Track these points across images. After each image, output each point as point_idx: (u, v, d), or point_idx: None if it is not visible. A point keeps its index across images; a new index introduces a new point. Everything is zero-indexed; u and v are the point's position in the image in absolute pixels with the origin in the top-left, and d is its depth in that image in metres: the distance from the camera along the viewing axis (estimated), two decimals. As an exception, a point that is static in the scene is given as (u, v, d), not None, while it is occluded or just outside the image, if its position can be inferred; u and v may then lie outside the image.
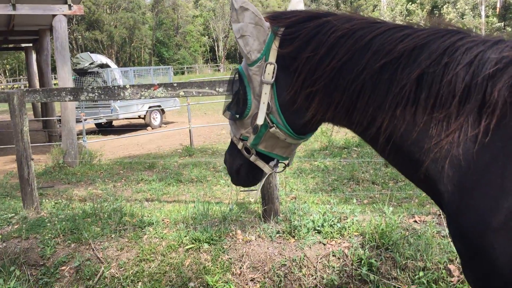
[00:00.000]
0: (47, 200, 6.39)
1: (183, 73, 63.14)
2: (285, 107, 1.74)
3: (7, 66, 62.62)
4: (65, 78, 9.45)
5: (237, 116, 1.84)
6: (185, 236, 4.64)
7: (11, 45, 20.75)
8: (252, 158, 1.88)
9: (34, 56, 18.78)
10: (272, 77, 1.72)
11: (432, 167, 1.45)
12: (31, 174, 5.58)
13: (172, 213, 5.51)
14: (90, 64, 16.14)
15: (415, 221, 4.65)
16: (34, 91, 5.47)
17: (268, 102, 1.75)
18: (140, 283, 4.20)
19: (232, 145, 1.96)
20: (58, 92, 5.28)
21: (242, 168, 1.96)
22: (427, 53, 1.46)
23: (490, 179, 1.30)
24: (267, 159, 1.91)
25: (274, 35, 1.73)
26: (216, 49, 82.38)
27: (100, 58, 17.18)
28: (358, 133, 1.68)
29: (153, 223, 5.07)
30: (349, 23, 1.62)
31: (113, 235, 4.82)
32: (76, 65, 16.30)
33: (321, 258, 4.15)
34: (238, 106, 1.85)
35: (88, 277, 4.27)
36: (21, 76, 57.29)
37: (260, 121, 1.77)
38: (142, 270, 4.28)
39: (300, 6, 2.01)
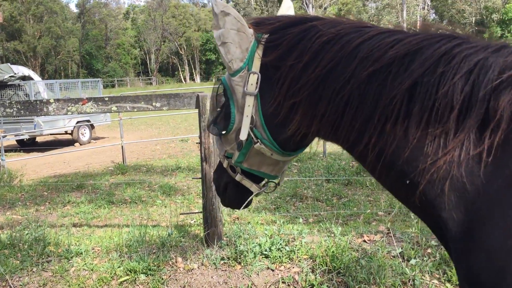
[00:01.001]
0: (-44, 230, 5.62)
1: (113, 86, 61.17)
2: (270, 120, 1.58)
3: None
4: (-20, 91, 8.56)
5: (221, 131, 1.70)
6: (119, 267, 4.18)
7: None
8: (238, 177, 1.72)
9: None
10: (256, 87, 1.57)
11: (430, 190, 1.27)
12: None
13: (103, 240, 5.00)
14: (10, 76, 14.96)
15: (365, 241, 4.49)
16: None
17: (252, 115, 1.59)
18: (66, 325, 3.69)
19: (219, 163, 1.81)
20: (-31, 107, 4.64)
21: (229, 189, 1.80)
22: (420, 60, 1.30)
23: (504, 208, 1.10)
24: (254, 178, 1.73)
25: (257, 42, 1.59)
26: (148, 62, 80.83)
27: (22, 70, 16.00)
28: (346, 149, 1.52)
29: (81, 253, 4.55)
30: (336, 28, 1.47)
31: (34, 269, 4.25)
32: (-5, 77, 15.09)
33: (270, 285, 3.85)
34: (221, 120, 1.71)
35: (3, 321, 3.69)
36: None
37: (243, 136, 1.61)
38: (69, 308, 3.77)
39: (290, 12, 1.84)
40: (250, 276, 3.97)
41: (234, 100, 1.63)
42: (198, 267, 4.16)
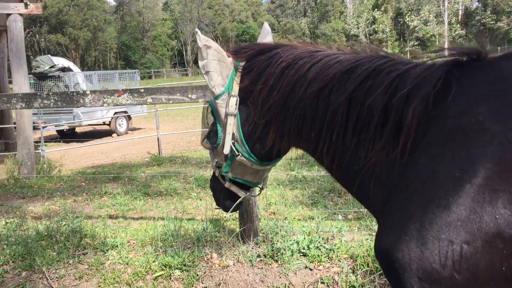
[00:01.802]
0: (-4, 219, 5.71)
1: (150, 77, 61.98)
2: (248, 136, 1.85)
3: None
4: (20, 83, 8.70)
5: (213, 145, 1.97)
6: (154, 261, 4.12)
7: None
8: (227, 184, 2.01)
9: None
10: (235, 108, 1.83)
11: (364, 185, 1.57)
12: (-23, 191, 4.92)
13: (139, 233, 4.96)
14: (50, 67, 15.25)
15: (408, 240, 4.26)
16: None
17: (233, 132, 1.86)
18: (101, 320, 3.65)
19: (213, 172, 2.08)
20: (8, 98, 4.66)
21: (221, 194, 2.08)
22: (353, 77, 1.56)
23: (403, 196, 1.35)
24: (240, 185, 2.01)
25: (235, 70, 1.87)
26: (184, 53, 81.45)
27: (61, 61, 16.29)
28: (311, 156, 1.80)
29: (117, 246, 4.52)
30: (294, 54, 1.75)
31: (70, 261, 4.25)
32: (35, 69, 15.40)
33: (308, 285, 3.70)
34: (212, 136, 2.00)
35: (40, 313, 3.68)
36: (-21, 80, 54.93)
37: (226, 150, 1.87)
38: (104, 302, 3.73)
39: (268, 38, 2.13)
40: (288, 275, 3.83)
41: (219, 120, 1.89)
42: (233, 264, 4.05)
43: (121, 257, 4.29)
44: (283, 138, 1.76)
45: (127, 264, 4.16)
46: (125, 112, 17.08)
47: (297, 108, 1.68)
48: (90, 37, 66.41)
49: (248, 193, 2.05)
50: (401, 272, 1.29)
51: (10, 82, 13.17)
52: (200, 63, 1.87)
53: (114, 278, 3.93)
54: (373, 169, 1.50)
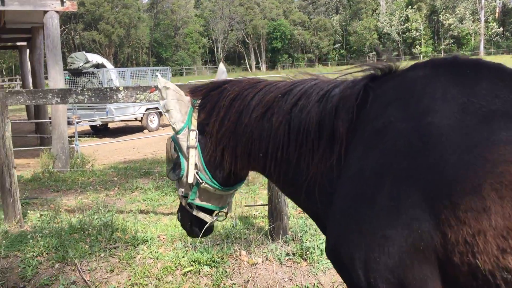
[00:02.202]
0: (31, 212, 5.86)
1: (181, 74, 62.65)
2: (209, 165, 2.04)
3: (4, 65, 62.03)
4: (56, 78, 8.91)
5: (177, 177, 2.11)
6: (183, 257, 4.15)
7: (6, 44, 20.17)
8: (194, 212, 2.15)
9: (27, 55, 18.23)
10: (195, 141, 2.03)
11: (310, 196, 1.75)
12: (14, 183, 5.06)
13: (168, 228, 5.00)
14: (85, 63, 15.58)
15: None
16: (17, 92, 4.97)
17: (196, 163, 2.04)
18: (131, 313, 3.69)
19: (180, 203, 2.23)
20: (44, 94, 4.77)
21: (191, 222, 2.22)
22: (288, 99, 1.80)
23: (340, 198, 1.55)
24: (207, 211, 2.16)
25: (193, 107, 2.09)
26: (215, 50, 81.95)
27: (95, 58, 16.63)
28: (262, 174, 2.03)
29: (147, 241, 4.57)
30: (239, 86, 1.99)
31: (102, 254, 4.32)
32: (70, 65, 15.76)
33: (337, 286, 3.65)
34: (175, 169, 2.12)
35: (73, 304, 3.76)
36: (17, 76, 56.69)
37: (190, 179, 2.04)
38: (134, 296, 3.77)
39: (224, 75, 2.34)
40: (317, 274, 3.79)
41: (182, 152, 2.07)
42: (262, 262, 4.04)
43: (151, 251, 4.34)
44: (237, 161, 1.98)
45: (157, 258, 4.20)
46: (157, 108, 17.29)
47: (245, 133, 1.91)
48: (123, 34, 67.55)
49: (214, 218, 2.21)
50: (346, 267, 1.48)
51: (46, 78, 13.53)
52: (161, 102, 2.08)
53: (144, 272, 3.97)
54: (315, 178, 1.70)
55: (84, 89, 4.69)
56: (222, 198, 2.16)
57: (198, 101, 2.09)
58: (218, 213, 2.23)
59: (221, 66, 2.44)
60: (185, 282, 3.85)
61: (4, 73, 61.10)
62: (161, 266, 4.07)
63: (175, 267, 4.04)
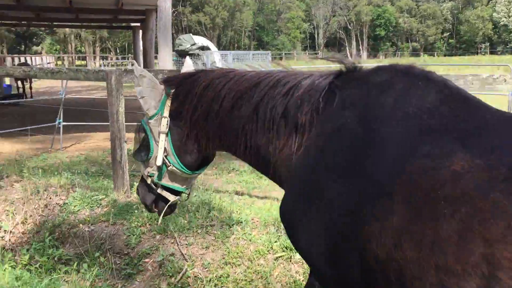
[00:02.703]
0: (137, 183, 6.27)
1: (280, 58, 62.88)
2: (178, 150, 2.25)
3: (118, 44, 66.61)
4: (165, 59, 9.38)
5: (144, 158, 2.30)
6: (275, 242, 4.20)
7: (121, 24, 21.63)
8: (159, 190, 2.36)
9: (140, 35, 19.38)
10: (166, 127, 2.22)
11: (276, 171, 2.00)
12: (124, 156, 5.44)
13: (262, 212, 5.09)
14: (191, 45, 16.24)
15: None
16: (132, 71, 5.30)
17: (165, 147, 2.24)
18: (223, 290, 3.83)
19: (142, 180, 2.42)
20: (155, 74, 5.04)
21: (155, 200, 2.41)
22: (259, 89, 1.98)
23: (296, 176, 1.81)
24: (171, 191, 2.36)
25: (166, 96, 2.25)
26: (316, 36, 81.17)
27: (201, 40, 17.25)
28: (233, 154, 2.22)
29: (241, 222, 4.69)
30: (211, 76, 2.16)
31: (199, 231, 4.52)
32: (178, 46, 16.51)
33: None
34: (143, 150, 2.31)
35: (170, 274, 3.98)
36: (129, 55, 60.67)
37: (159, 162, 2.24)
38: (227, 274, 3.91)
39: (191, 68, 2.50)
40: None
41: (151, 137, 2.25)
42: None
43: (245, 233, 4.45)
44: (209, 144, 2.19)
45: (250, 240, 4.30)
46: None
47: (216, 119, 2.11)
48: (227, 17, 69.23)
49: (177, 197, 2.41)
50: (290, 226, 1.79)
51: (155, 58, 14.30)
52: (137, 89, 2.24)
53: (237, 253, 4.09)
54: (281, 159, 1.94)
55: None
56: (187, 180, 2.37)
57: (172, 90, 2.25)
58: (181, 193, 2.43)
59: (188, 60, 2.59)
60: (276, 266, 3.91)
61: (117, 51, 65.62)
62: (254, 248, 4.16)
63: (267, 251, 4.11)
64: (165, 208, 2.42)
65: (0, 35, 49.54)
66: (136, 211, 4.91)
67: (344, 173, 1.58)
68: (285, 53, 67.30)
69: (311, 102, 1.81)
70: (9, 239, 4.55)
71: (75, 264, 4.32)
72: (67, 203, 5.20)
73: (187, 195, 2.51)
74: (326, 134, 1.72)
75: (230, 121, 2.07)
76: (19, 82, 19.00)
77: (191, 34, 17.57)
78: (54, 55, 52.32)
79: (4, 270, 4.07)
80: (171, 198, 2.37)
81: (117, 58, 55.06)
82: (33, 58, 34.39)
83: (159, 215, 2.48)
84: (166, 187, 2.34)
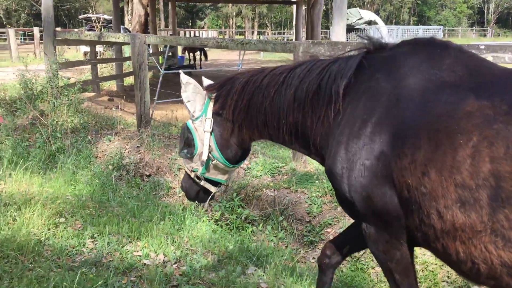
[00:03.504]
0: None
1: (443, 35, 58.49)
2: (221, 146, 2.57)
3: (275, 19, 68.29)
4: (339, 34, 9.25)
5: (189, 155, 2.61)
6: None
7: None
8: (202, 183, 2.68)
9: (303, 10, 19.51)
10: (210, 127, 2.53)
11: (315, 142, 2.30)
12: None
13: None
14: (358, 19, 15.91)
15: None
16: (319, 43, 5.34)
17: (209, 144, 2.54)
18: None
19: (186, 175, 2.75)
20: (343, 46, 5.01)
21: (198, 192, 2.76)
22: (297, 76, 2.34)
23: (336, 140, 2.10)
24: (213, 182, 2.70)
25: (209, 99, 2.57)
26: (485, 11, 73.52)
27: (368, 15, 16.82)
28: (274, 139, 2.53)
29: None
30: (248, 75, 2.52)
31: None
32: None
33: None
34: (188, 148, 2.61)
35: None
36: (285, 30, 61.72)
37: (204, 157, 2.54)
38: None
39: (209, 82, 2.71)
40: None
41: (196, 136, 2.56)
42: None
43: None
44: (254, 132, 2.50)
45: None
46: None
47: (260, 107, 2.40)
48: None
49: (218, 188, 2.76)
50: (336, 181, 2.07)
51: (322, 33, 14.24)
52: (183, 94, 2.54)
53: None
54: (320, 128, 2.23)
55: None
56: (227, 173, 2.71)
57: (214, 94, 2.56)
58: (221, 184, 2.77)
59: (204, 80, 2.75)
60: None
61: (273, 26, 67.31)
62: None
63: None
64: (209, 198, 2.78)
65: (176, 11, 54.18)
66: (317, 181, 5.01)
67: (378, 121, 1.91)
68: (448, 30, 62.25)
69: (344, 74, 2.13)
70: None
71: (260, 225, 4.58)
72: (250, 168, 5.52)
73: (226, 186, 2.85)
74: (360, 94, 2.05)
75: (271, 107, 2.36)
76: (191, 54, 20.64)
77: (357, 8, 17.19)
78: (216, 30, 55.72)
79: (202, 222, 4.48)
80: (213, 189, 2.71)
81: (273, 33, 56.51)
82: (197, 32, 36.96)
83: (202, 203, 2.87)
84: (209, 180, 2.67)
